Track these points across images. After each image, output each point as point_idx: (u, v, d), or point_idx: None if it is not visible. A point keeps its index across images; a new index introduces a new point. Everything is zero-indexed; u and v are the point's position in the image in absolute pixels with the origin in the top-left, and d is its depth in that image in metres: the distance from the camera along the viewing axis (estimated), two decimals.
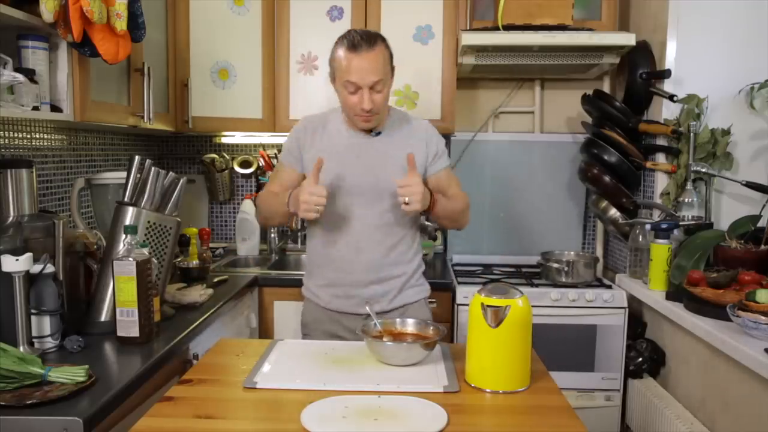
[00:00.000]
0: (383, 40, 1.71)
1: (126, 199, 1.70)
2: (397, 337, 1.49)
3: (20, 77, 1.46)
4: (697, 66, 2.27)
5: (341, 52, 1.69)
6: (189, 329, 1.69)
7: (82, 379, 1.24)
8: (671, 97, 2.24)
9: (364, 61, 1.65)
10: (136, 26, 1.76)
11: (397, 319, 1.55)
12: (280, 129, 2.72)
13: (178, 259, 2.37)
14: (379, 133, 1.81)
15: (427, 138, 1.84)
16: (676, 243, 2.19)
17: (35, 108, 1.55)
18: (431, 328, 1.49)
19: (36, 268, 1.44)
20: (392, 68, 1.75)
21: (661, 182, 2.35)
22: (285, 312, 2.43)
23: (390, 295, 1.81)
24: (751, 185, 2.11)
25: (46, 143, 2.04)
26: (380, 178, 1.76)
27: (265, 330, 2.44)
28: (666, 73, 2.27)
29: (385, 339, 1.46)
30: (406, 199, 1.61)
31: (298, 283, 2.39)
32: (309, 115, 1.92)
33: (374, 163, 1.78)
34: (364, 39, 1.67)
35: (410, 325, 1.53)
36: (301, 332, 1.94)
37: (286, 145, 1.87)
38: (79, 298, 1.62)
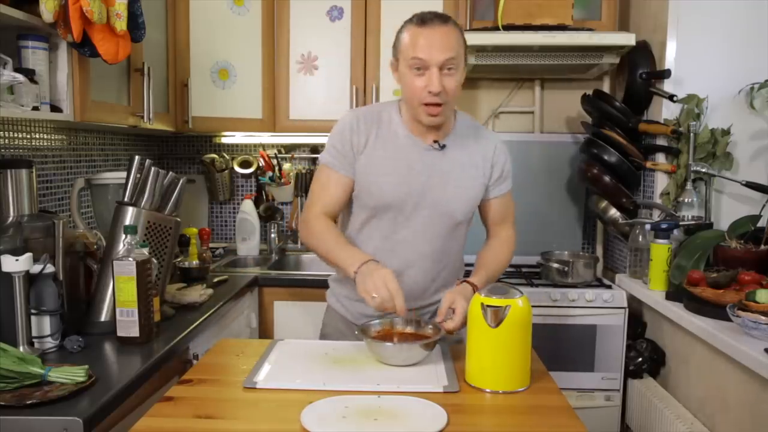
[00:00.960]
0: (454, 21, 1.50)
1: (126, 199, 1.70)
2: (397, 336, 1.49)
3: (20, 77, 1.46)
4: (697, 66, 2.26)
5: (409, 30, 1.49)
6: (189, 329, 1.69)
7: (82, 379, 1.24)
8: (671, 97, 2.24)
9: (435, 35, 1.44)
10: (136, 26, 1.76)
11: (397, 319, 1.53)
12: (280, 129, 2.73)
13: (178, 259, 2.37)
14: (444, 146, 1.57)
15: (493, 159, 1.64)
16: (676, 243, 2.19)
17: (35, 108, 1.55)
18: (431, 327, 1.49)
19: (36, 268, 1.44)
20: (466, 54, 1.52)
21: (661, 182, 2.34)
22: (285, 312, 2.43)
23: (428, 315, 1.66)
24: (751, 185, 2.11)
25: (46, 143, 2.04)
26: (439, 201, 1.57)
27: (265, 330, 2.44)
28: (666, 73, 2.27)
29: (384, 340, 1.45)
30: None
31: (298, 283, 2.41)
32: (356, 110, 1.64)
33: (435, 183, 1.56)
34: (436, 15, 1.48)
35: (411, 325, 1.52)
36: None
37: (334, 147, 1.57)
38: (79, 298, 1.62)
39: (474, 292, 1.49)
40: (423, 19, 1.47)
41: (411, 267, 1.60)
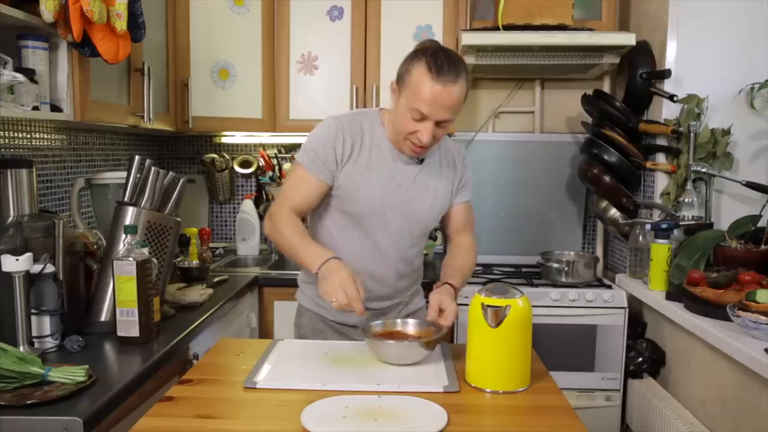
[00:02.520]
0: (466, 70, 1.48)
1: (126, 199, 1.70)
2: (398, 336, 1.49)
3: (20, 77, 1.46)
4: (697, 66, 2.26)
5: (420, 72, 1.44)
6: (189, 329, 1.69)
7: (82, 379, 1.25)
8: (671, 97, 2.24)
9: (444, 95, 1.43)
10: (136, 26, 1.76)
11: (398, 320, 1.55)
12: (280, 129, 2.73)
13: (178, 259, 2.37)
14: (422, 160, 1.63)
15: (461, 168, 1.72)
16: (676, 243, 2.19)
17: (35, 108, 1.55)
18: (432, 327, 1.49)
19: (36, 268, 1.44)
20: (465, 99, 1.52)
21: (661, 182, 2.34)
22: (285, 312, 2.43)
23: (398, 308, 1.75)
24: (751, 185, 2.11)
25: (46, 143, 2.04)
26: (417, 211, 1.64)
27: (265, 330, 2.44)
28: (666, 73, 2.27)
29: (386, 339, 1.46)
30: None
31: (298, 284, 2.40)
32: (339, 117, 1.62)
33: (414, 195, 1.62)
34: (451, 67, 1.43)
35: (411, 325, 1.53)
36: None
37: (314, 151, 1.57)
38: (79, 298, 1.62)
39: (455, 292, 1.55)
40: (438, 69, 1.42)
41: (387, 270, 1.66)
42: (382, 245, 1.64)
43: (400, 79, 1.52)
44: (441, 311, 1.48)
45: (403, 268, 1.69)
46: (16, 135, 1.87)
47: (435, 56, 1.44)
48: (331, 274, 1.41)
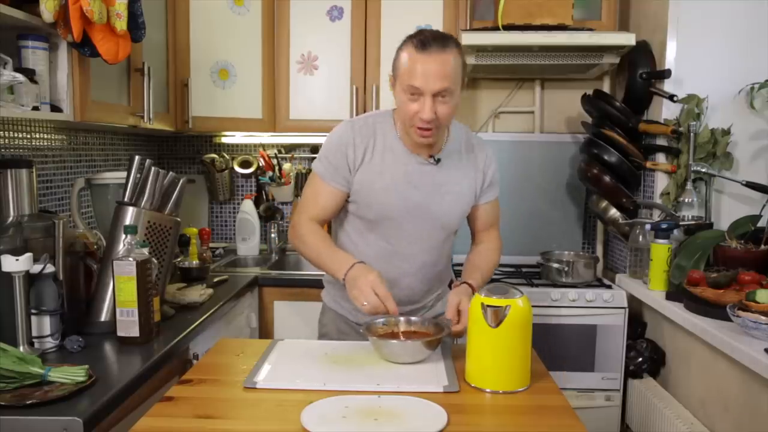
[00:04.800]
0: (457, 45, 1.47)
1: (126, 199, 1.70)
2: (401, 335, 1.49)
3: (20, 77, 1.46)
4: (697, 66, 2.26)
5: (407, 53, 1.46)
6: (189, 329, 1.69)
7: (82, 379, 1.25)
8: (671, 97, 2.24)
9: (432, 64, 1.42)
10: (136, 26, 1.76)
11: (401, 318, 1.54)
12: (280, 129, 2.73)
13: (178, 259, 2.37)
14: (438, 160, 1.59)
15: (484, 167, 1.66)
16: (676, 243, 2.19)
17: (35, 108, 1.55)
18: (434, 326, 1.49)
19: (36, 268, 1.44)
20: (463, 79, 1.51)
21: (661, 182, 2.34)
22: (285, 312, 2.43)
23: (421, 312, 1.71)
24: (751, 185, 2.11)
25: (46, 143, 2.04)
26: (435, 214, 1.60)
27: (265, 330, 2.44)
28: (666, 73, 2.27)
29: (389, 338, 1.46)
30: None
31: (298, 283, 2.41)
32: (351, 122, 1.61)
33: (431, 196, 1.59)
34: (435, 39, 1.43)
35: (414, 323, 1.53)
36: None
37: (328, 159, 1.58)
38: (79, 298, 1.62)
39: (473, 292, 1.52)
40: (423, 43, 1.43)
41: (407, 275, 1.64)
42: (401, 249, 1.62)
43: (394, 70, 1.52)
44: (459, 312, 1.47)
45: (425, 272, 1.66)
46: (16, 135, 1.87)
47: (417, 35, 1.46)
48: (357, 279, 1.43)
